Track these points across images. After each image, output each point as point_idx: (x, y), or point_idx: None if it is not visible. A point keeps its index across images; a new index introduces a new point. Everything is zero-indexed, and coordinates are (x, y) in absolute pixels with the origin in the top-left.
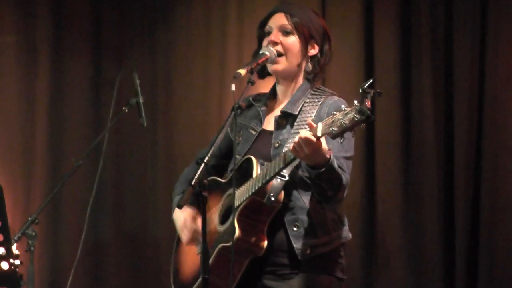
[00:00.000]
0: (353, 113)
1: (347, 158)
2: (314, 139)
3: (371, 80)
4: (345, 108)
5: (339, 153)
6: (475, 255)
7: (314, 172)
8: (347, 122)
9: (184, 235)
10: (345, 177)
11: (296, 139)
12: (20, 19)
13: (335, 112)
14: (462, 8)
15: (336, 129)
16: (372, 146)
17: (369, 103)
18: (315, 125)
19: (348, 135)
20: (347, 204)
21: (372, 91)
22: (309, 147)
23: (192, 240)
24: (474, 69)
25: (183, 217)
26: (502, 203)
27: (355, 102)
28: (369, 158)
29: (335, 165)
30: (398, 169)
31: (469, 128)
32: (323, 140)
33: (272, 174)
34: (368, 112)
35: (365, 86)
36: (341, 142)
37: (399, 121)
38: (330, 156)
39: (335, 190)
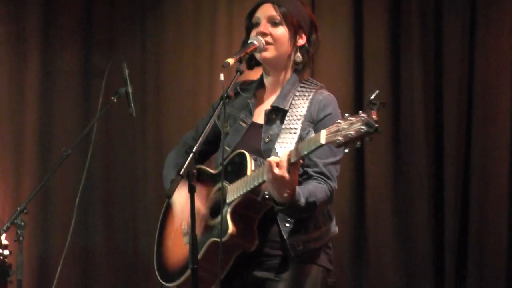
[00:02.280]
0: (359, 124)
1: (335, 162)
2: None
3: (377, 92)
4: (351, 118)
5: (327, 159)
6: (464, 250)
7: (276, 207)
8: (353, 133)
9: (181, 220)
10: (328, 190)
11: (271, 159)
12: (10, 9)
13: (340, 121)
14: (452, 1)
15: (341, 138)
16: (361, 142)
17: (375, 114)
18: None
19: None
20: (336, 200)
21: (378, 103)
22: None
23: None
24: (464, 60)
25: (183, 201)
26: (491, 200)
27: (361, 112)
28: (358, 152)
29: (301, 204)
30: (387, 164)
31: (459, 121)
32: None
33: None
34: (376, 125)
35: (372, 97)
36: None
37: (388, 113)
38: (292, 194)
39: (308, 214)
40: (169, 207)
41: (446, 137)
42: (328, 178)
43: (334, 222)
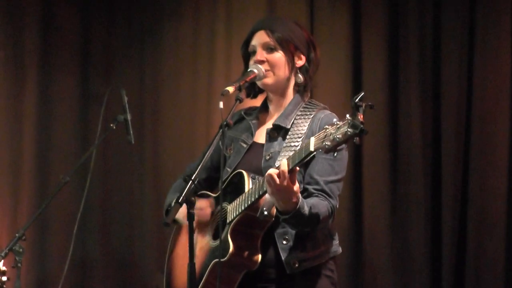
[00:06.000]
0: (345, 127)
1: (337, 180)
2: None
3: (362, 94)
4: (338, 122)
5: (328, 177)
6: (462, 270)
7: (281, 217)
8: (340, 136)
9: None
10: (329, 207)
11: (270, 171)
12: (8, 33)
13: (327, 126)
14: (450, 25)
15: (329, 143)
16: (359, 162)
17: (362, 116)
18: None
19: (341, 155)
20: (335, 220)
21: (364, 104)
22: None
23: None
24: (462, 85)
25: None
26: (489, 219)
27: (347, 116)
28: (356, 174)
29: (305, 211)
30: (385, 185)
31: (457, 144)
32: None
33: (264, 189)
34: (361, 126)
35: (357, 100)
36: (333, 159)
37: (386, 138)
38: (297, 201)
39: (311, 227)
40: (178, 231)
41: (443, 161)
42: (329, 196)
43: (337, 241)
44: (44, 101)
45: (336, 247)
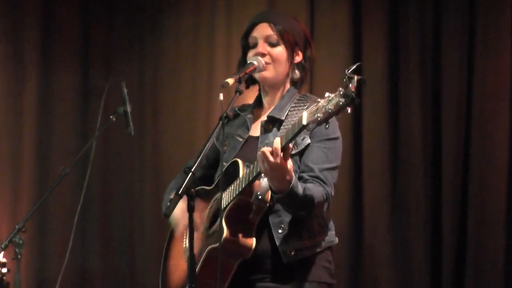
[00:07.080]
0: (337, 98)
1: (332, 168)
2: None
3: (355, 66)
4: (329, 95)
5: (323, 165)
6: (462, 268)
7: (275, 196)
8: (332, 107)
9: (181, 225)
10: (324, 193)
11: (264, 149)
12: (8, 28)
13: (319, 100)
14: (451, 22)
15: (321, 115)
16: (359, 158)
17: (353, 87)
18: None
19: (335, 144)
20: (334, 216)
21: (356, 77)
22: (274, 158)
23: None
24: (462, 84)
25: (181, 209)
26: (489, 217)
27: (339, 88)
28: (357, 173)
29: (299, 191)
30: (385, 184)
31: (457, 142)
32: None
33: (258, 171)
34: (353, 94)
35: (349, 72)
36: (327, 148)
37: (386, 136)
38: (291, 180)
39: (306, 210)
40: (172, 232)
41: (444, 159)
42: (324, 182)
43: (333, 231)
44: (44, 99)
45: (333, 237)
